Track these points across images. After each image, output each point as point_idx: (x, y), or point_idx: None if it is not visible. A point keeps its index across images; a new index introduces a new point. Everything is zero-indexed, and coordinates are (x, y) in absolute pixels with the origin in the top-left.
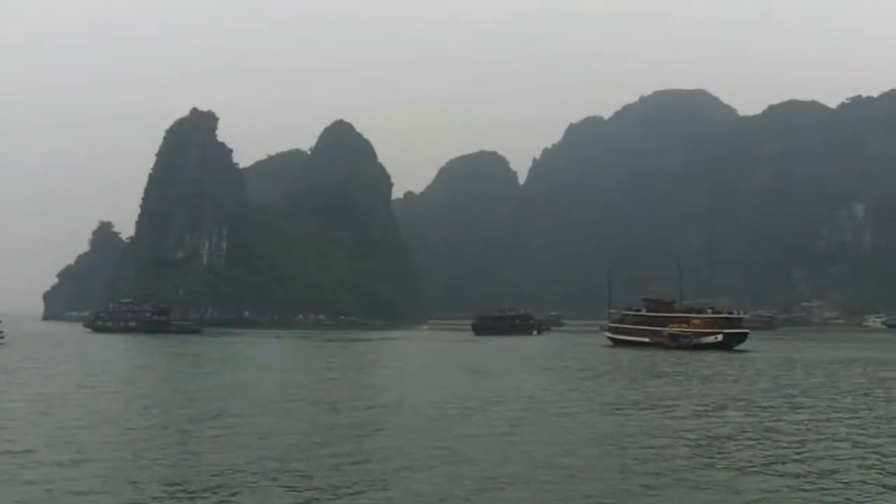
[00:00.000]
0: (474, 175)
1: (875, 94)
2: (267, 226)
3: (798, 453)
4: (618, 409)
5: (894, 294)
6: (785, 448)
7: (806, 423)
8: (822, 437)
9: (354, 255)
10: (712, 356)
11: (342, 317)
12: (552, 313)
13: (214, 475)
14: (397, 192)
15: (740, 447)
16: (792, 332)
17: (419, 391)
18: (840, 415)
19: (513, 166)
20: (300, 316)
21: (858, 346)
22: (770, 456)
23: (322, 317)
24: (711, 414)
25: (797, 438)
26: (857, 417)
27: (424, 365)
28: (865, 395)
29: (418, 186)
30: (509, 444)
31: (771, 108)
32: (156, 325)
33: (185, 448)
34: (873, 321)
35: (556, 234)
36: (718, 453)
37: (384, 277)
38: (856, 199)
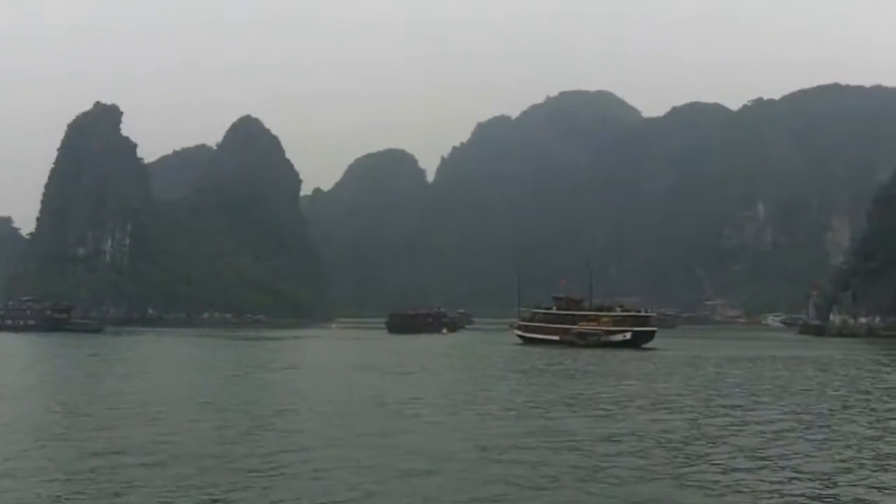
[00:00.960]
0: (383, 173)
1: (776, 97)
2: (172, 222)
3: (729, 452)
4: (537, 409)
5: (795, 292)
6: (715, 447)
7: (728, 423)
8: (747, 434)
9: (261, 253)
10: (623, 354)
11: (249, 315)
12: (460, 311)
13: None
14: (305, 190)
15: (666, 447)
16: (692, 330)
17: (330, 391)
18: (757, 412)
19: (422, 164)
20: (206, 314)
21: (760, 344)
22: (702, 456)
23: (228, 315)
24: (632, 414)
25: (723, 438)
26: (773, 415)
27: (339, 363)
28: (779, 392)
29: (327, 184)
30: (432, 447)
31: (674, 110)
32: (56, 323)
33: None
34: (772, 320)
35: (464, 232)
36: (639, 453)
37: (291, 275)
38: (757, 199)
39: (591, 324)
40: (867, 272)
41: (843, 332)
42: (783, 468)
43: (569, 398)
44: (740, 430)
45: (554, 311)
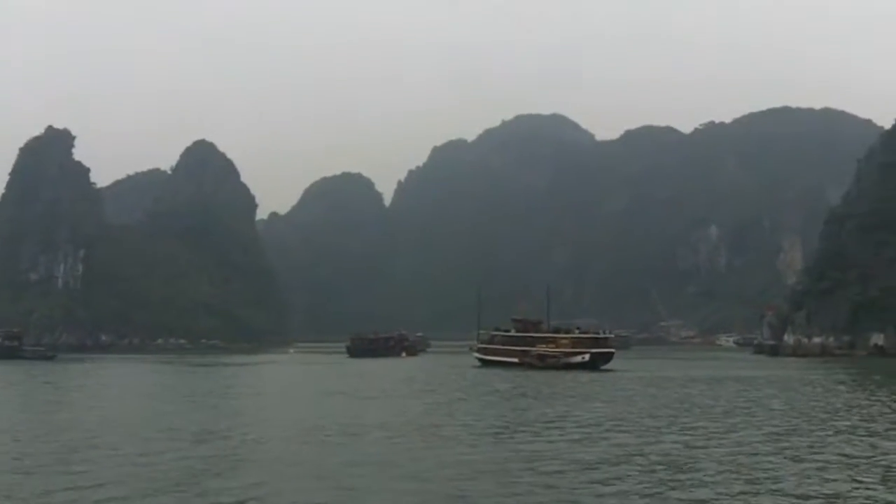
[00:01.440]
0: (340, 196)
1: (727, 120)
2: (126, 247)
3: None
4: (501, 433)
5: (748, 312)
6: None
7: (692, 442)
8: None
9: (216, 278)
10: (584, 376)
11: (204, 340)
12: (418, 334)
13: None
14: (261, 213)
15: (635, 470)
16: (647, 350)
17: (291, 417)
18: (724, 433)
19: (379, 188)
20: (160, 340)
21: (718, 364)
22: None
23: (183, 341)
24: (597, 436)
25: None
26: (738, 435)
27: (304, 388)
28: (740, 412)
29: (283, 207)
30: (395, 470)
31: (628, 133)
32: (7, 351)
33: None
34: (725, 340)
35: (422, 255)
36: (613, 477)
37: (247, 300)
38: (711, 221)
39: (549, 346)
40: (820, 292)
41: (797, 352)
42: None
43: (540, 421)
44: (720, 450)
45: (513, 333)
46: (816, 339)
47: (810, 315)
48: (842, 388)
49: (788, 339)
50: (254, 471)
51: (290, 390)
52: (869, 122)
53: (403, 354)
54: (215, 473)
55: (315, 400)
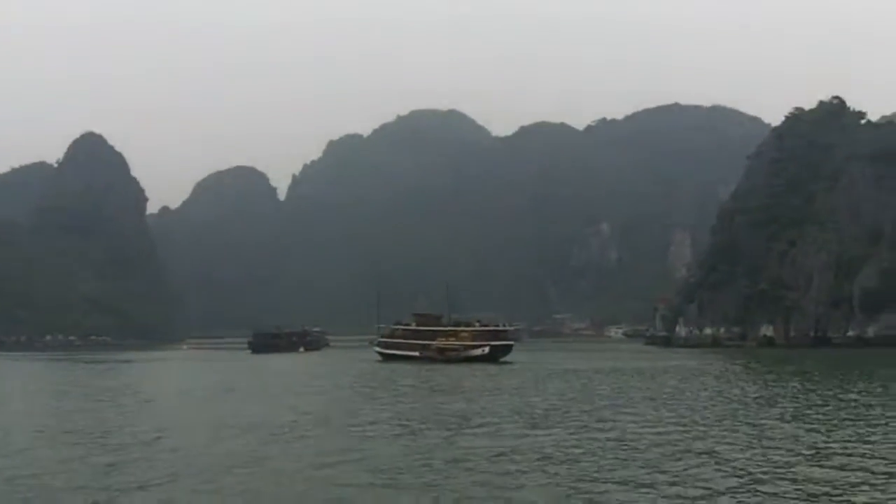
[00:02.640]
0: (233, 191)
1: (619, 117)
2: (10, 244)
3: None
4: (419, 427)
5: (637, 305)
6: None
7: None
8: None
9: (106, 274)
10: (490, 368)
11: (94, 337)
12: (316, 329)
13: None
14: (152, 208)
15: (545, 463)
16: (542, 342)
17: (196, 415)
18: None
19: (273, 182)
20: (48, 337)
21: (614, 355)
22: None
23: (72, 338)
24: (516, 428)
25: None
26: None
27: (205, 386)
28: (650, 400)
29: (175, 202)
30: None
31: (523, 129)
32: None
33: None
34: (614, 332)
35: (319, 250)
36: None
37: (138, 296)
38: (602, 217)
39: (450, 339)
40: (711, 285)
41: (688, 343)
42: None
43: (447, 414)
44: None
45: (413, 327)
46: (708, 331)
47: (702, 307)
48: (747, 376)
49: (681, 330)
50: (162, 470)
51: (193, 388)
52: (757, 119)
53: (301, 350)
54: (123, 475)
55: (220, 397)
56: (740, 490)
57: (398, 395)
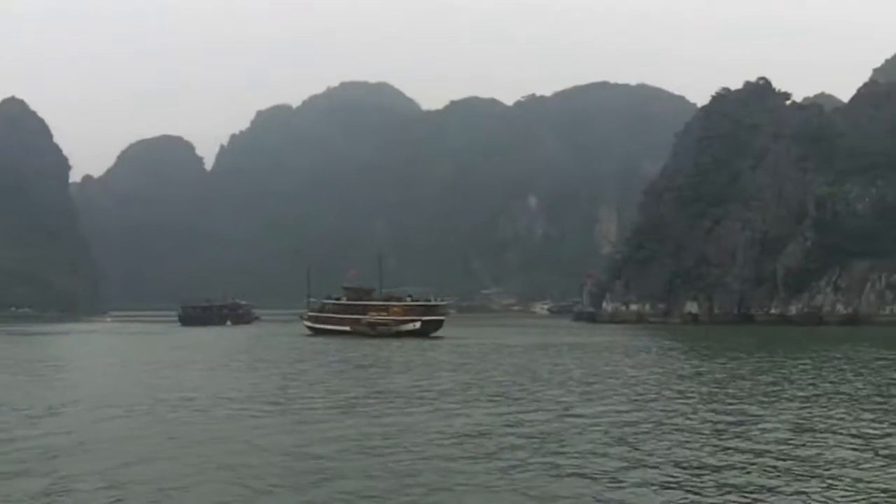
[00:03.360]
0: (158, 160)
1: (548, 94)
2: None
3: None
4: (358, 405)
5: (564, 280)
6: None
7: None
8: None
9: (26, 243)
10: (425, 343)
11: (13, 308)
12: (243, 302)
13: None
14: (75, 176)
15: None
16: (469, 318)
17: (128, 390)
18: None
19: (199, 152)
20: None
21: (544, 331)
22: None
23: None
24: (459, 408)
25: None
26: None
27: (135, 359)
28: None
29: (98, 170)
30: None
31: (453, 104)
32: None
33: None
34: (540, 308)
35: (246, 222)
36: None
37: (60, 266)
38: (530, 191)
39: (381, 314)
40: (638, 261)
41: (615, 319)
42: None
43: (385, 392)
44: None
45: (344, 301)
46: (633, 307)
47: (628, 283)
48: (675, 353)
49: (607, 306)
50: (105, 451)
51: (123, 361)
52: (682, 98)
53: (228, 323)
54: (65, 454)
55: (154, 371)
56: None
57: (332, 370)
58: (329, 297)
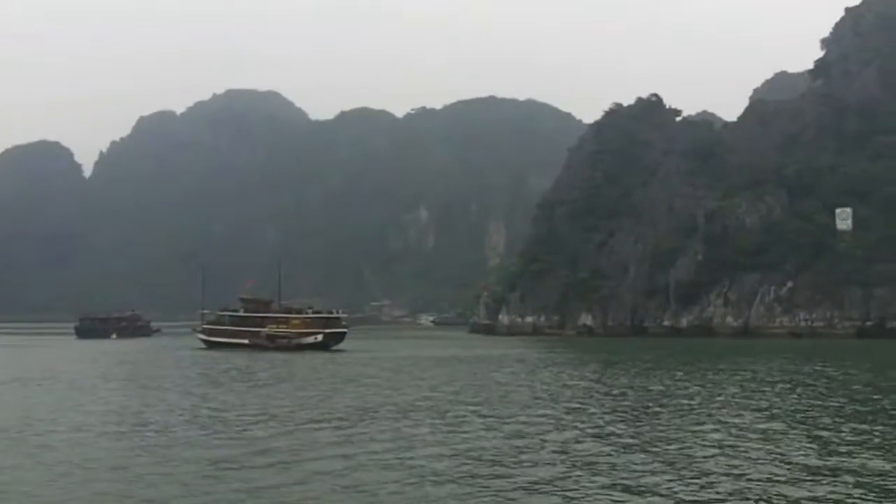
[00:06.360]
0: (33, 166)
1: (438, 107)
2: None
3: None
4: (236, 425)
5: (454, 292)
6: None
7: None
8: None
9: None
10: (342, 357)
11: None
12: (134, 312)
13: None
14: None
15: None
16: (362, 331)
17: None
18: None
19: (78, 159)
20: None
21: (448, 343)
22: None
23: None
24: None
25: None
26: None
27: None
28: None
29: None
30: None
31: (343, 114)
32: None
33: None
34: (425, 319)
35: (127, 231)
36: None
37: None
38: (420, 204)
39: (281, 326)
40: (533, 274)
41: (511, 331)
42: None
43: (306, 408)
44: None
45: (242, 313)
46: (529, 319)
47: (524, 296)
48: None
49: (504, 318)
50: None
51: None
52: (569, 115)
53: (114, 336)
54: None
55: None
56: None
57: (243, 387)
58: (225, 309)
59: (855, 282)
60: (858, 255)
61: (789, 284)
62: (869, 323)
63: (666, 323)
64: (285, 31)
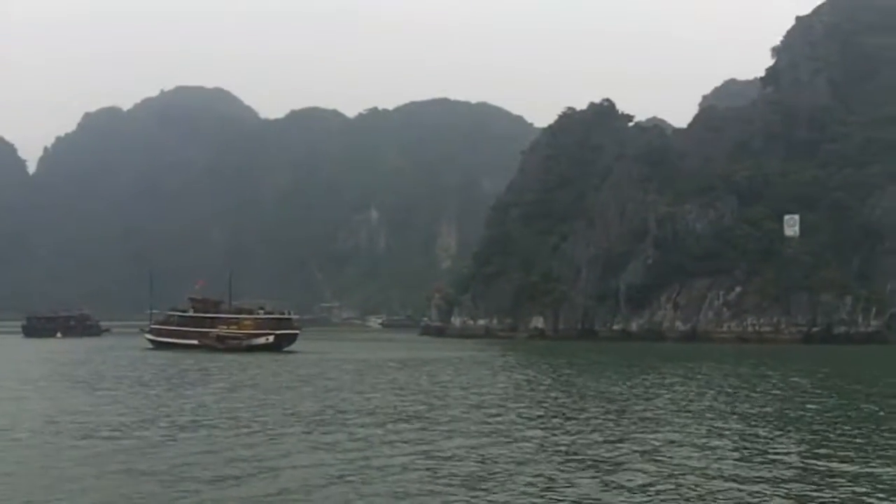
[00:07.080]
0: None
1: (390, 108)
2: None
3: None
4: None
5: (404, 294)
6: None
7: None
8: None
9: None
10: (296, 359)
11: None
12: (83, 312)
13: None
14: None
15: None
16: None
17: None
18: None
19: (22, 154)
20: None
21: (402, 345)
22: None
23: None
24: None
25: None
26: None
27: None
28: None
29: None
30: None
31: (293, 114)
32: None
33: None
34: (373, 321)
35: (72, 229)
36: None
37: None
38: (371, 205)
39: (231, 327)
40: (486, 276)
41: (463, 334)
42: None
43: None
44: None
45: (191, 314)
46: (481, 321)
47: (476, 298)
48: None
49: (455, 320)
50: None
51: None
52: (520, 118)
53: (58, 335)
54: None
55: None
56: None
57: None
58: (175, 310)
59: (802, 287)
60: (806, 262)
61: (738, 290)
62: (815, 328)
63: (616, 327)
64: (236, 29)
